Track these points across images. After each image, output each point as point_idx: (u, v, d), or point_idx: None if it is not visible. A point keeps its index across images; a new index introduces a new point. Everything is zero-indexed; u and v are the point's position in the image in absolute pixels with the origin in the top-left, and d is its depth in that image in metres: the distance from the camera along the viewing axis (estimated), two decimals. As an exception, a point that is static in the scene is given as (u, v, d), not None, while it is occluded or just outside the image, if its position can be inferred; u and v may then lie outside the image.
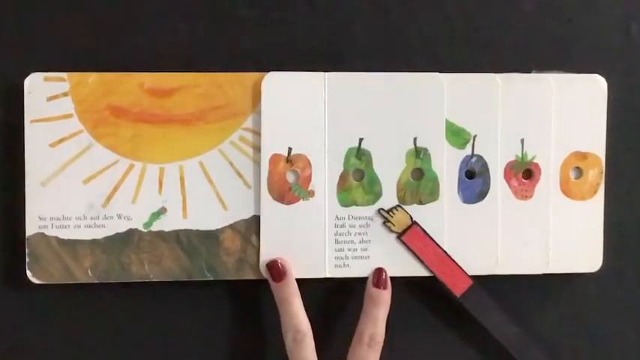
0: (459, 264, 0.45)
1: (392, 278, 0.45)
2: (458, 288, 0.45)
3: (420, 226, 0.45)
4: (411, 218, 0.45)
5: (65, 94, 0.44)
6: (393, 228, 0.45)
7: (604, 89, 0.46)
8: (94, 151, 0.44)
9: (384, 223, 0.45)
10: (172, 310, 0.46)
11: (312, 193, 0.45)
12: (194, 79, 0.44)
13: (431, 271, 0.45)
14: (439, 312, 0.47)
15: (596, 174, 0.46)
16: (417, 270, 0.45)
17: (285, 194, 0.45)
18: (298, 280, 0.44)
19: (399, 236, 0.45)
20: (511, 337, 0.45)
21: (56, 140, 0.44)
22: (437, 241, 0.45)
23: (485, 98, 0.45)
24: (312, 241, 0.45)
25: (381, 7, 0.46)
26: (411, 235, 0.45)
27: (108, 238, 0.44)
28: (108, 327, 0.46)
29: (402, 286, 0.45)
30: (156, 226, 0.44)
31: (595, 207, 0.46)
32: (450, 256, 0.45)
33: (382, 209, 0.45)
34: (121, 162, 0.44)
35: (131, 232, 0.44)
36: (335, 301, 0.46)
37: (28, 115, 0.43)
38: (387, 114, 0.45)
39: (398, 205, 0.45)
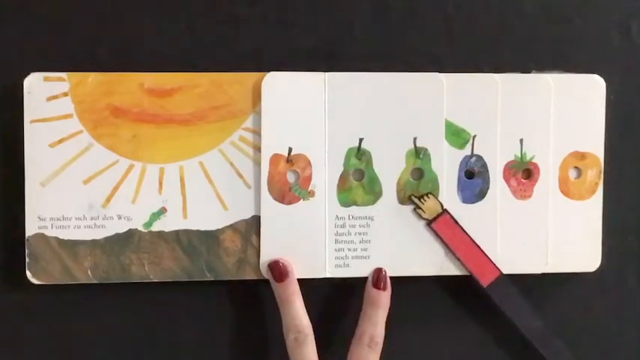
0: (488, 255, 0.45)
1: (391, 278, 0.45)
2: (485, 278, 0.45)
3: (451, 215, 0.45)
4: (442, 206, 0.45)
5: (65, 94, 0.43)
6: (423, 215, 0.45)
7: (603, 89, 0.46)
8: (94, 151, 0.44)
9: (414, 209, 0.45)
10: (172, 310, 0.46)
11: (312, 193, 0.45)
12: (194, 79, 0.44)
13: (459, 260, 0.45)
14: (439, 312, 0.47)
15: (594, 174, 0.46)
16: (416, 270, 0.45)
17: (285, 194, 0.45)
18: (298, 280, 0.44)
19: (429, 223, 0.45)
20: (536, 330, 0.45)
21: (56, 140, 0.44)
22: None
23: (484, 98, 0.45)
24: (313, 241, 0.45)
25: (381, 7, 0.46)
26: (441, 223, 0.45)
27: (108, 239, 0.44)
28: (108, 327, 0.46)
29: (402, 285, 0.45)
30: (156, 227, 0.44)
31: (594, 207, 0.46)
32: (478, 246, 0.45)
33: (414, 195, 0.45)
34: (121, 162, 0.44)
35: (131, 233, 0.44)
36: (335, 301, 0.46)
37: (28, 115, 0.43)
38: (387, 114, 0.45)
39: (430, 193, 0.45)
